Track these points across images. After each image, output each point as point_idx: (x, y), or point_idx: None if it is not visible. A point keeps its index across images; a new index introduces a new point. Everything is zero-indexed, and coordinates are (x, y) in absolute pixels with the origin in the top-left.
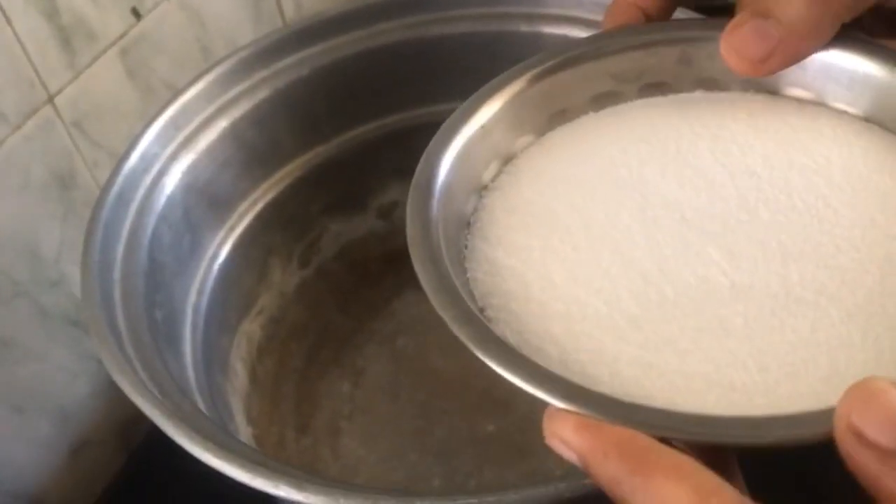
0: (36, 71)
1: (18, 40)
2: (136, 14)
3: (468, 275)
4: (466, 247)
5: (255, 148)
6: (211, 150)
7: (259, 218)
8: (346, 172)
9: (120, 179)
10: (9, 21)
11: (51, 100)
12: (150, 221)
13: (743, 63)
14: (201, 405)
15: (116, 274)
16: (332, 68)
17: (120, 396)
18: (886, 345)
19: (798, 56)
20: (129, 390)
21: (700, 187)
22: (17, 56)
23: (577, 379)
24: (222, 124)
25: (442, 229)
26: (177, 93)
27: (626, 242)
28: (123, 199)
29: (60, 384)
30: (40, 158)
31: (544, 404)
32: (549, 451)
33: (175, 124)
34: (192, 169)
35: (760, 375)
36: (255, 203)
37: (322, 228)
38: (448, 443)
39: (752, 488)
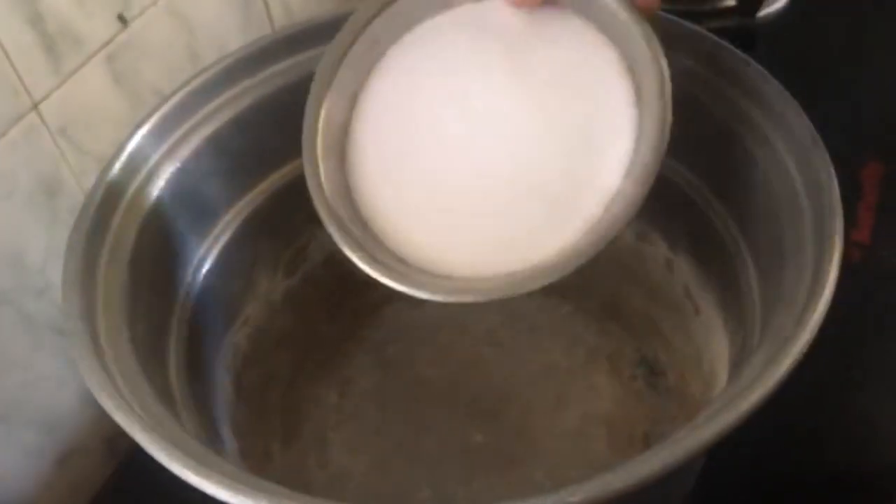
0: (20, 77)
1: (1, 47)
2: (123, 20)
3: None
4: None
5: (241, 156)
6: (196, 158)
7: (245, 226)
8: None
9: (104, 187)
10: None
11: (35, 106)
12: (135, 230)
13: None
14: (185, 418)
15: (99, 283)
16: None
17: None
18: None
19: None
20: (107, 405)
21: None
22: (1, 63)
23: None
24: (207, 132)
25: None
26: (162, 100)
27: (434, 151)
28: (107, 208)
29: (46, 393)
30: (25, 166)
31: (534, 415)
32: (537, 462)
33: (160, 132)
34: (177, 177)
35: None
36: (240, 211)
37: (309, 236)
38: (436, 453)
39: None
